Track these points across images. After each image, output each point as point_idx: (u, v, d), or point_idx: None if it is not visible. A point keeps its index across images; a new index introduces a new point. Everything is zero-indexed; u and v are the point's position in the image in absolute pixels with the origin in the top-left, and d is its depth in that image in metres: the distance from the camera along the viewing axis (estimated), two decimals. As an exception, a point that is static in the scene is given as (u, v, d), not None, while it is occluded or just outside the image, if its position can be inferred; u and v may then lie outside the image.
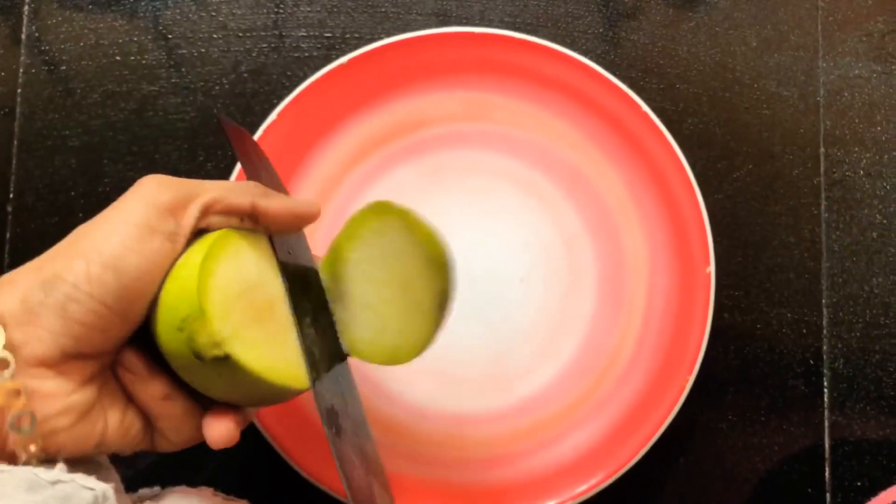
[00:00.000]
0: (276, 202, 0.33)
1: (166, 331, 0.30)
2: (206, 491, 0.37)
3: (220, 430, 0.31)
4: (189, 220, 0.30)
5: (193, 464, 0.46)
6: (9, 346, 0.27)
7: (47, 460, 0.28)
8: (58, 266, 0.28)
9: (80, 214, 0.48)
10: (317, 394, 0.31)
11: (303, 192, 0.46)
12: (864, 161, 0.49)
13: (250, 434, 0.44)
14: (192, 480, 0.44)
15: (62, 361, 0.28)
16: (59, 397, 0.28)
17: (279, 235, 0.34)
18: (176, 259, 0.30)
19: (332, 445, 0.31)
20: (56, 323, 0.28)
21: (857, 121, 0.49)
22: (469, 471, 0.45)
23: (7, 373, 0.27)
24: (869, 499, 0.46)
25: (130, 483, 0.35)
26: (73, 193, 0.48)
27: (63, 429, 0.29)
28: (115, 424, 0.31)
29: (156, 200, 0.30)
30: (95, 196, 0.48)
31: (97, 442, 0.30)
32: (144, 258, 0.29)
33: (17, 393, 0.27)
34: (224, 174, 0.47)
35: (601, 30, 0.49)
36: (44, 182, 0.48)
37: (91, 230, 0.29)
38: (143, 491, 0.39)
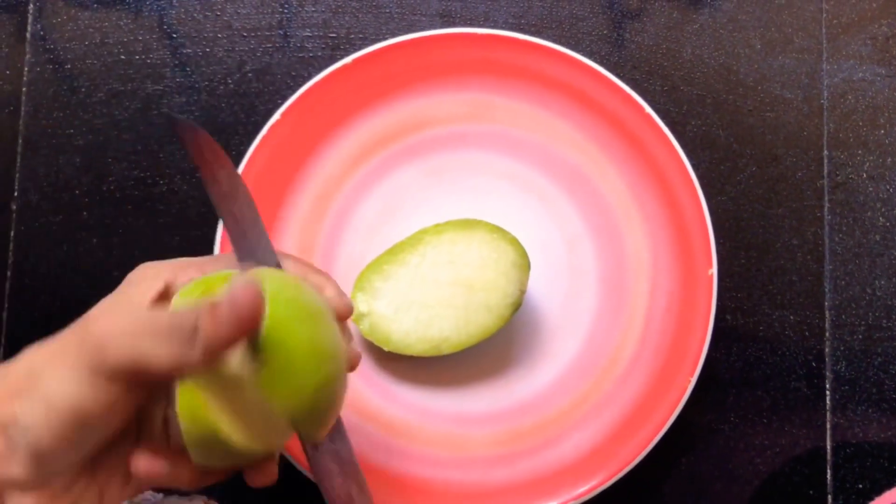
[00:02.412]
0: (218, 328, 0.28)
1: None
2: (199, 499, 0.38)
3: (264, 481, 0.32)
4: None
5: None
6: None
7: None
8: (15, 405, 0.27)
9: (84, 213, 0.48)
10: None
11: (306, 191, 0.46)
12: (868, 164, 0.49)
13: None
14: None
15: (41, 482, 0.28)
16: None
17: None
18: None
19: (310, 462, 0.33)
20: (24, 459, 0.27)
21: (860, 124, 0.49)
22: (470, 471, 0.45)
23: None
24: (871, 500, 0.46)
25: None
26: (77, 192, 0.48)
27: None
28: (112, 497, 0.30)
29: (92, 350, 0.27)
30: (99, 195, 0.48)
31: None
32: (89, 406, 0.27)
33: None
34: (228, 173, 0.48)
35: (605, 31, 0.49)
36: (48, 180, 0.48)
37: (41, 365, 0.28)
38: (146, 495, 0.40)
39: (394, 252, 0.44)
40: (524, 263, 0.43)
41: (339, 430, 0.34)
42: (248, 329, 0.26)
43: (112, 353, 0.26)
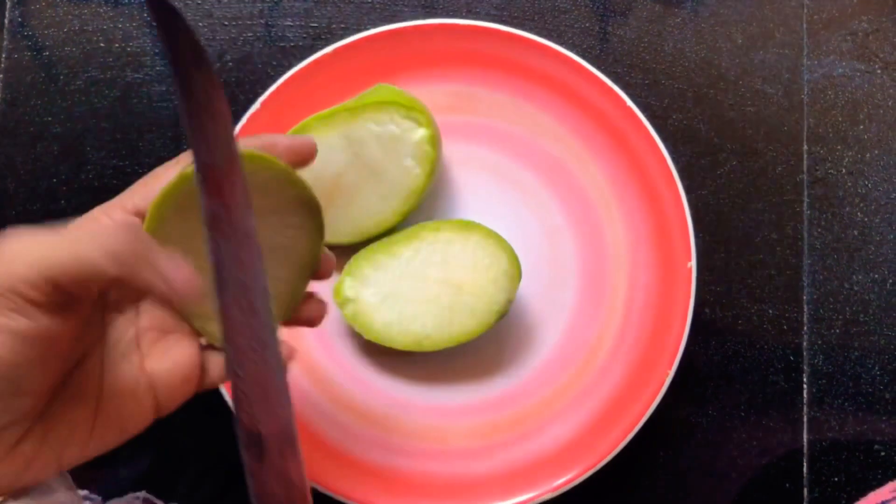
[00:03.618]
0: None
1: None
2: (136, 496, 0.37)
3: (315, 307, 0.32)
4: (40, 296, 0.25)
5: (172, 479, 0.46)
6: None
7: None
8: None
9: (62, 202, 0.47)
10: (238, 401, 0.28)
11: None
12: (847, 159, 0.49)
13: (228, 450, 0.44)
14: (170, 495, 0.44)
15: None
16: None
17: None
18: None
19: (251, 480, 0.27)
20: None
21: (840, 119, 0.49)
22: (449, 462, 0.45)
23: None
24: (847, 494, 0.47)
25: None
26: (55, 180, 0.48)
27: (6, 487, 0.27)
28: (72, 456, 0.29)
29: None
30: (77, 183, 0.48)
31: (50, 476, 0.29)
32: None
33: None
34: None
35: (588, 24, 0.49)
36: (25, 168, 0.48)
37: None
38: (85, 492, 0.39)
39: (388, 243, 0.44)
40: (515, 273, 0.43)
41: (290, 442, 0.28)
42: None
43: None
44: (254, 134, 0.45)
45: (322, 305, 0.34)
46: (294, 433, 0.28)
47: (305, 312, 0.34)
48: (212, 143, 0.27)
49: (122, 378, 0.30)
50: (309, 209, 0.32)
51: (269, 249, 0.31)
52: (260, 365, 0.27)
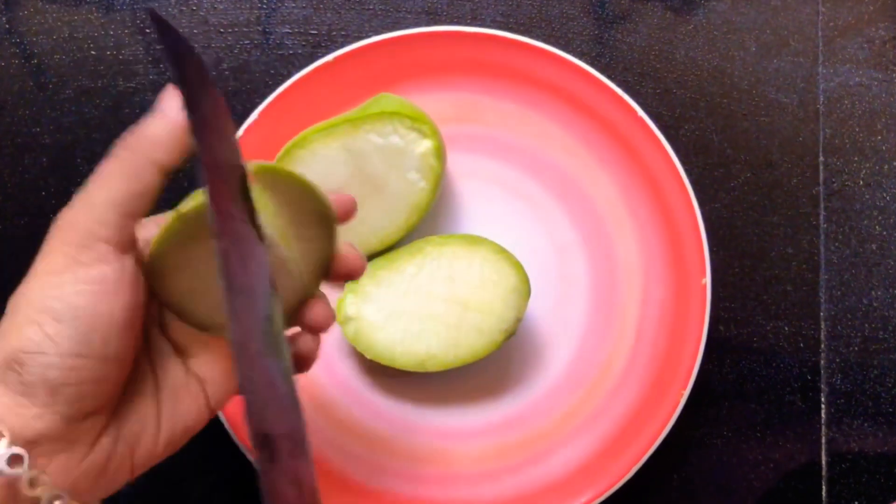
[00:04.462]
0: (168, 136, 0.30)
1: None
2: None
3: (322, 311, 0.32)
4: (114, 232, 0.28)
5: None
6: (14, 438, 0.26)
7: None
8: (13, 342, 0.27)
9: (51, 215, 0.45)
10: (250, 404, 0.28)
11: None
12: (864, 171, 0.48)
13: (235, 465, 0.43)
14: None
15: (68, 430, 0.27)
16: (72, 468, 0.28)
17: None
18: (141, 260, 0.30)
19: (261, 481, 0.27)
20: (44, 396, 0.27)
21: (857, 129, 0.48)
22: (454, 487, 0.43)
23: (24, 468, 0.26)
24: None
25: None
26: (43, 193, 0.46)
27: (86, 490, 0.28)
28: (144, 453, 0.30)
29: (65, 237, 0.28)
30: (67, 197, 0.45)
31: (124, 482, 0.30)
32: (90, 294, 0.27)
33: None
34: (203, 175, 0.46)
35: (596, 32, 0.48)
36: (13, 181, 0.46)
37: (25, 292, 0.28)
38: None
39: (391, 259, 0.42)
40: (524, 290, 0.41)
41: (300, 443, 0.28)
42: None
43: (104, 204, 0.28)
44: (252, 145, 0.43)
45: (328, 310, 0.34)
46: (304, 437, 0.28)
47: (311, 316, 0.33)
48: (220, 158, 0.28)
49: (172, 374, 0.31)
50: (326, 221, 0.32)
51: (282, 259, 0.31)
52: (269, 368, 0.28)
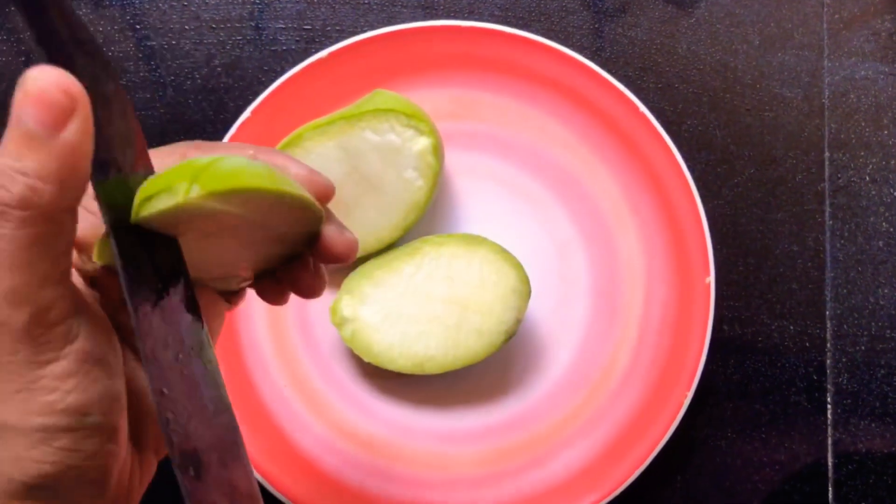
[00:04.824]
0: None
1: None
2: None
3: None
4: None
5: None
6: None
7: None
8: None
9: (41, 216, 0.45)
10: (165, 422, 0.24)
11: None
12: (871, 166, 0.47)
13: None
14: None
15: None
16: None
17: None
18: None
19: (186, 499, 0.23)
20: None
21: (863, 124, 0.47)
22: (453, 491, 0.42)
23: None
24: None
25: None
26: (33, 193, 0.45)
27: None
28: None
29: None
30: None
31: None
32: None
33: None
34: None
35: (596, 25, 0.47)
36: (1, 181, 0.45)
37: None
38: None
39: (388, 259, 0.41)
40: (525, 290, 0.40)
41: (232, 448, 0.25)
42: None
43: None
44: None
45: (320, 276, 0.29)
46: (235, 437, 0.25)
47: (299, 278, 0.29)
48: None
49: (140, 379, 0.27)
50: (311, 222, 0.28)
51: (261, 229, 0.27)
52: (187, 377, 0.24)
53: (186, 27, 0.46)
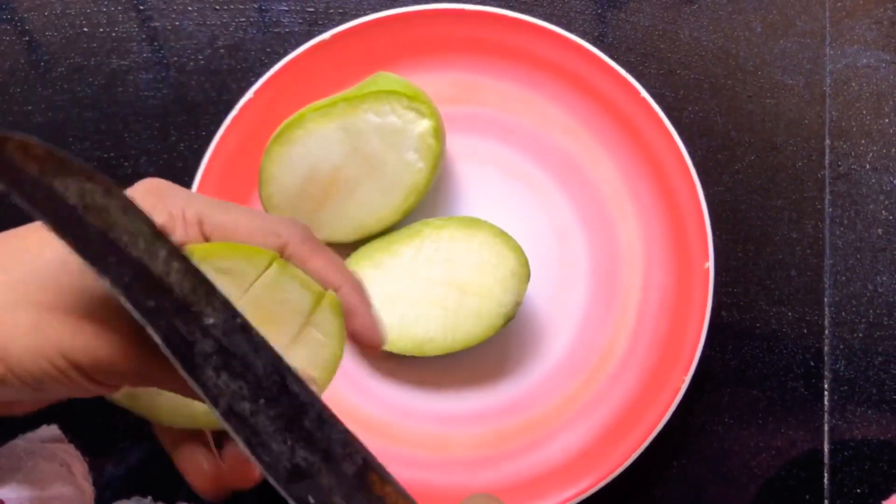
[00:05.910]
0: None
1: None
2: None
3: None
4: None
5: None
6: None
7: None
8: None
9: (43, 195, 0.45)
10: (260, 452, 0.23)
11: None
12: (871, 154, 0.47)
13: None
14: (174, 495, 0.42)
15: None
16: None
17: None
18: None
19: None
20: None
21: (864, 112, 0.47)
22: (452, 473, 0.43)
23: None
24: (868, 506, 0.45)
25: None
26: (35, 173, 0.45)
27: None
28: None
29: None
30: (59, 176, 0.45)
31: None
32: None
33: None
34: (197, 155, 0.45)
35: (599, 11, 0.47)
36: (4, 160, 0.45)
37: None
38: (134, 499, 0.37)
39: (389, 241, 0.42)
40: (524, 273, 0.41)
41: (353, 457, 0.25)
42: None
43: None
44: (247, 124, 0.42)
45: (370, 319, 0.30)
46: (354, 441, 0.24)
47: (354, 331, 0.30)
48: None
49: None
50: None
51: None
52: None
53: (190, 8, 0.46)
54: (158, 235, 0.23)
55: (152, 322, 0.22)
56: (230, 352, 0.23)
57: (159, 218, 0.27)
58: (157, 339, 0.22)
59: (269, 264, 0.27)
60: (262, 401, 0.23)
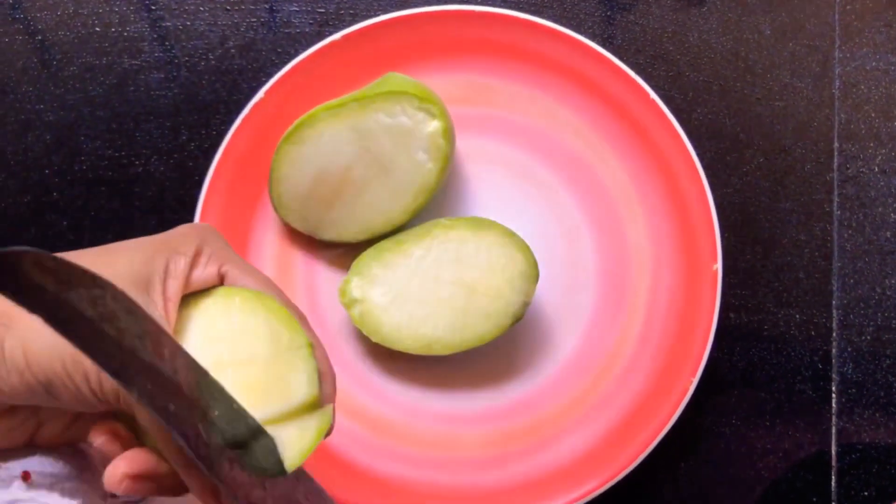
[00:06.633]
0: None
1: None
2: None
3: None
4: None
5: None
6: None
7: None
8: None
9: (55, 194, 0.45)
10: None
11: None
12: (880, 157, 0.47)
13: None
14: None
15: None
16: None
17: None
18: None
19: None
20: None
21: (873, 115, 0.47)
22: (459, 473, 0.43)
23: None
24: (876, 509, 0.45)
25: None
26: (47, 171, 0.45)
27: None
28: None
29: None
30: (71, 175, 0.45)
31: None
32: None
33: None
34: (208, 154, 0.45)
35: (608, 12, 0.47)
36: (16, 159, 0.45)
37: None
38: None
39: (398, 241, 0.42)
40: (533, 274, 0.41)
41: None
42: None
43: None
44: (257, 124, 0.43)
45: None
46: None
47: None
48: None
49: None
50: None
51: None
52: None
53: (201, 8, 0.46)
54: (161, 331, 0.24)
55: (176, 427, 0.23)
56: (237, 441, 0.25)
57: (189, 251, 0.29)
58: (181, 441, 0.23)
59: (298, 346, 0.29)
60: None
